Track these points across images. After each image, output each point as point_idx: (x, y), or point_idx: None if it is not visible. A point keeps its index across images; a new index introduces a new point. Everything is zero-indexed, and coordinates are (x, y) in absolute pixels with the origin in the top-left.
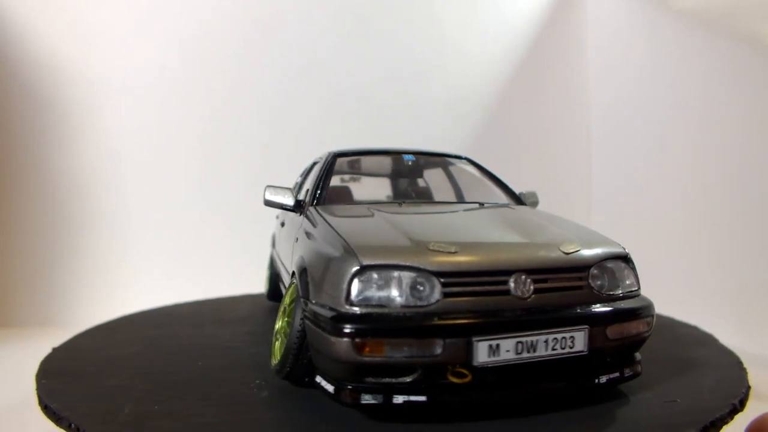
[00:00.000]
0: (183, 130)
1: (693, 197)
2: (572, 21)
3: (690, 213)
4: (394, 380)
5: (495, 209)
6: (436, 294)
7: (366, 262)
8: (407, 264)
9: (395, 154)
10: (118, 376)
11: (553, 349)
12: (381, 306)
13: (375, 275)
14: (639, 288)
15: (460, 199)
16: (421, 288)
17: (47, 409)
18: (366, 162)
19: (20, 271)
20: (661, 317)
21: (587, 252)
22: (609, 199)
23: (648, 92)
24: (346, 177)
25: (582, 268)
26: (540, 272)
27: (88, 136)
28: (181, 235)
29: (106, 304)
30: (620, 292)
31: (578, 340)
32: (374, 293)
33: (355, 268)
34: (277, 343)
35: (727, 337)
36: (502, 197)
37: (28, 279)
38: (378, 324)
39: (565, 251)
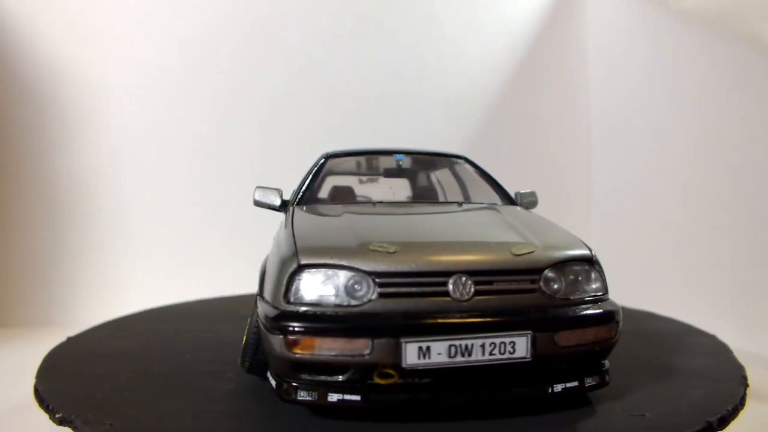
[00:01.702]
0: (183, 129)
1: (693, 197)
2: (572, 21)
3: (690, 213)
4: (329, 378)
5: (471, 209)
6: (372, 294)
7: (304, 261)
8: (343, 264)
9: (389, 154)
10: (108, 366)
11: (491, 354)
12: (316, 305)
13: (312, 274)
14: (605, 292)
15: (447, 199)
16: (357, 288)
17: (36, 391)
18: (362, 162)
19: (20, 271)
20: (674, 323)
21: (541, 254)
22: (609, 199)
23: (648, 92)
24: (364, 178)
25: (533, 270)
26: (483, 274)
27: (88, 136)
28: (182, 235)
29: (106, 304)
30: (581, 296)
31: (519, 346)
32: (310, 292)
33: (293, 267)
34: (244, 338)
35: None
36: (495, 197)
37: (28, 279)
38: (308, 322)
39: (516, 253)
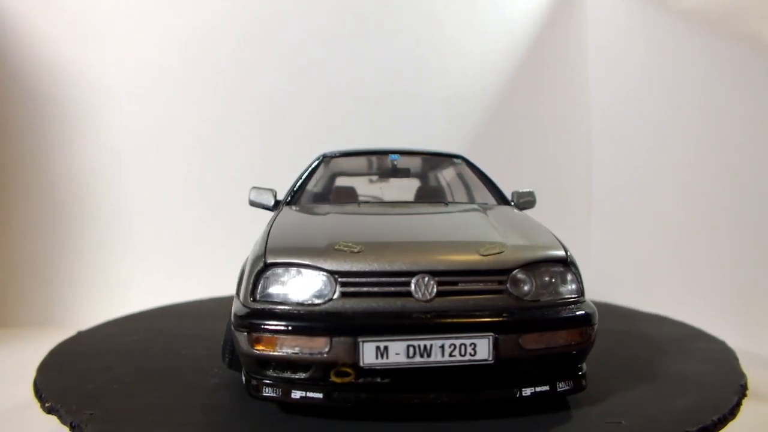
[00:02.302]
0: (183, 129)
1: (693, 197)
2: (572, 21)
3: (690, 213)
4: (292, 376)
5: (456, 210)
6: (334, 293)
7: (270, 260)
8: (307, 263)
9: (387, 154)
10: (106, 361)
11: (451, 356)
12: (281, 303)
13: (277, 273)
14: (581, 295)
15: (443, 199)
16: (320, 287)
17: (34, 382)
18: (359, 162)
19: (20, 271)
20: (685, 327)
21: (510, 255)
22: (609, 199)
23: (648, 92)
24: (374, 178)
25: (499, 271)
26: (447, 274)
27: (88, 136)
28: (182, 235)
29: (106, 304)
30: (553, 298)
31: (481, 348)
32: (276, 290)
33: (260, 266)
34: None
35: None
36: (489, 197)
37: (28, 279)
38: (270, 320)
39: (483, 253)
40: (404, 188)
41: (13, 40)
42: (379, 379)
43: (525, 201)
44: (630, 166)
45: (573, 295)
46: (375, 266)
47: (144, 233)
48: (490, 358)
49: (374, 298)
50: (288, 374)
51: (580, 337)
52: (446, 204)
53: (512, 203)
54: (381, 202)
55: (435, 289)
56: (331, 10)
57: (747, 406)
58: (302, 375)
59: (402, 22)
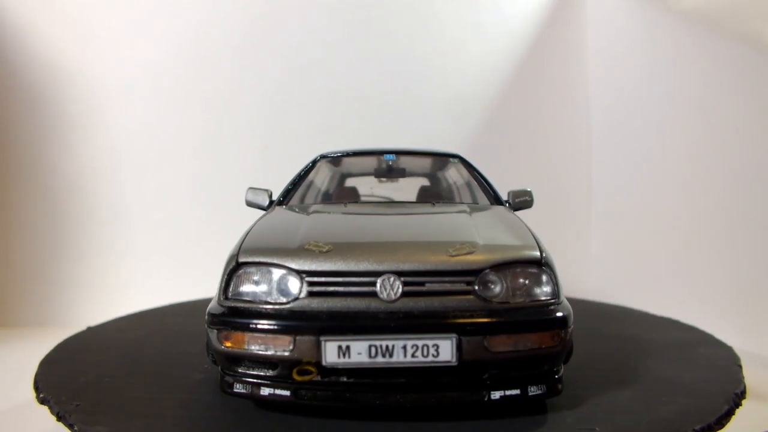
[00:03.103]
0: (183, 129)
1: (693, 197)
2: (572, 21)
3: (690, 213)
4: (261, 373)
5: (440, 210)
6: (301, 292)
7: (242, 259)
8: (276, 262)
9: (384, 154)
10: (105, 356)
11: (414, 357)
12: (250, 301)
13: (248, 272)
14: (555, 297)
15: (436, 199)
16: (288, 286)
17: (35, 376)
18: (356, 162)
19: (20, 271)
20: (695, 332)
21: (480, 255)
22: (609, 198)
23: (648, 92)
24: (384, 179)
25: (467, 272)
26: (413, 275)
27: (88, 136)
28: (182, 235)
29: (106, 304)
30: (524, 300)
31: (444, 349)
32: (246, 289)
33: (233, 265)
34: None
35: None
36: (484, 196)
37: (28, 279)
38: (238, 318)
39: (452, 254)
40: (404, 188)
41: (13, 40)
42: (343, 379)
43: (522, 201)
44: (630, 165)
45: (547, 298)
46: (341, 266)
47: (144, 233)
48: (454, 360)
49: (340, 297)
50: (257, 372)
51: (551, 340)
52: (434, 204)
53: (507, 203)
54: (369, 203)
55: (400, 290)
56: (331, 10)
57: (747, 406)
58: (270, 373)
59: (402, 22)
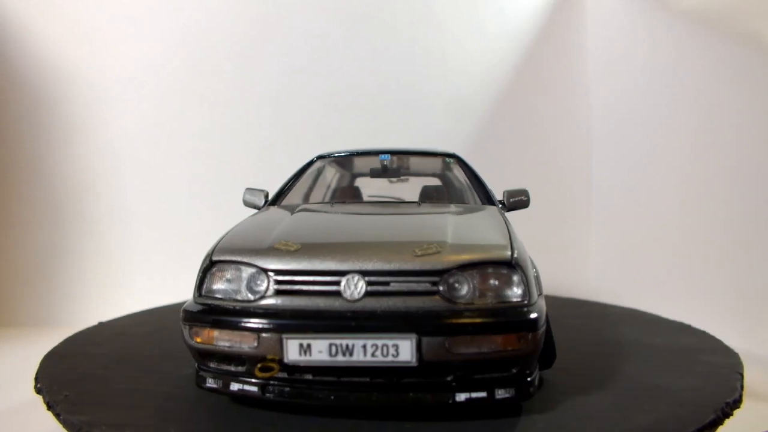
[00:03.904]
0: (183, 129)
1: (693, 197)
2: (572, 21)
3: (690, 213)
4: (231, 369)
5: (423, 210)
6: (268, 290)
7: (215, 258)
8: (246, 261)
9: (381, 154)
10: (108, 348)
11: (373, 356)
12: (221, 299)
13: (220, 270)
14: (525, 299)
15: (427, 198)
16: (256, 284)
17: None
18: (354, 162)
19: (20, 271)
20: (705, 337)
21: (446, 256)
22: (609, 198)
23: (648, 92)
24: (394, 179)
25: (432, 272)
26: (377, 274)
27: (88, 136)
28: (182, 235)
29: (106, 304)
30: (491, 301)
31: (403, 350)
32: (218, 286)
33: (207, 263)
34: None
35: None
36: (478, 196)
37: (28, 279)
38: (206, 314)
39: (418, 254)
40: (410, 189)
41: (13, 39)
42: (308, 376)
43: (517, 200)
44: (630, 165)
45: (516, 299)
46: (307, 265)
47: (144, 233)
48: (414, 361)
49: (306, 296)
50: (227, 367)
51: (517, 342)
52: (420, 205)
53: (501, 203)
54: (354, 202)
55: (364, 289)
56: (331, 10)
57: (747, 406)
58: (240, 368)
59: (402, 22)
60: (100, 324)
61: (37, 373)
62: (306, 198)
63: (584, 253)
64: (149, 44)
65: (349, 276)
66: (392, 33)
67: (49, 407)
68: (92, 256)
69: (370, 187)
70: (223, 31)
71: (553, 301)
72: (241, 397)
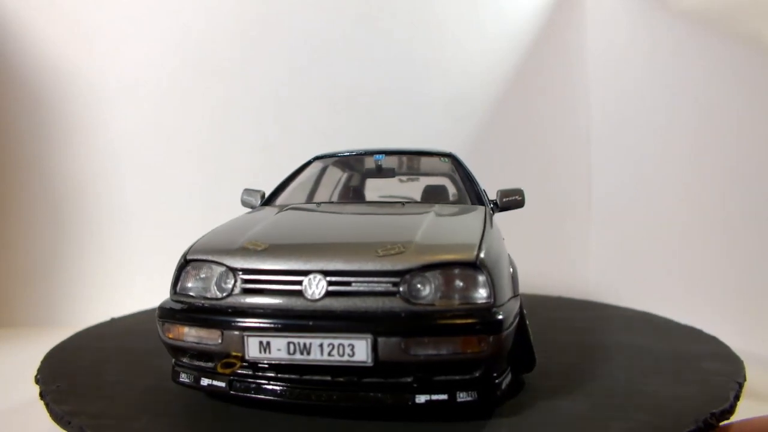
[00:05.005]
0: (183, 130)
1: (693, 197)
2: (572, 21)
3: (690, 213)
4: (201, 364)
5: (404, 210)
6: (235, 289)
7: (189, 257)
8: (216, 260)
9: (379, 154)
10: (111, 343)
11: (330, 355)
12: (192, 296)
13: (194, 269)
14: (490, 301)
15: (428, 199)
16: (226, 282)
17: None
18: (351, 162)
19: (20, 271)
20: (716, 344)
21: (408, 256)
22: (609, 199)
23: (648, 92)
24: (404, 178)
25: (393, 273)
26: (338, 274)
27: (88, 136)
28: (182, 235)
29: (106, 304)
30: (453, 302)
31: (359, 350)
32: (190, 284)
33: (181, 262)
34: None
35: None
36: (471, 196)
37: (28, 279)
38: (177, 311)
39: (381, 254)
40: (414, 189)
41: (14, 39)
42: (270, 373)
43: (511, 200)
44: (630, 166)
45: (482, 301)
46: (271, 264)
47: (144, 233)
48: (369, 361)
49: (270, 295)
50: (198, 363)
51: (477, 345)
52: (403, 205)
53: (494, 204)
54: (346, 203)
55: (324, 289)
56: (331, 10)
57: (747, 406)
58: (209, 364)
59: (402, 22)
60: (113, 320)
61: (40, 365)
62: (310, 198)
63: (584, 252)
64: (149, 44)
65: (311, 276)
66: (392, 33)
67: (42, 396)
68: (92, 256)
69: (381, 188)
70: (223, 31)
71: (557, 303)
72: (212, 393)
